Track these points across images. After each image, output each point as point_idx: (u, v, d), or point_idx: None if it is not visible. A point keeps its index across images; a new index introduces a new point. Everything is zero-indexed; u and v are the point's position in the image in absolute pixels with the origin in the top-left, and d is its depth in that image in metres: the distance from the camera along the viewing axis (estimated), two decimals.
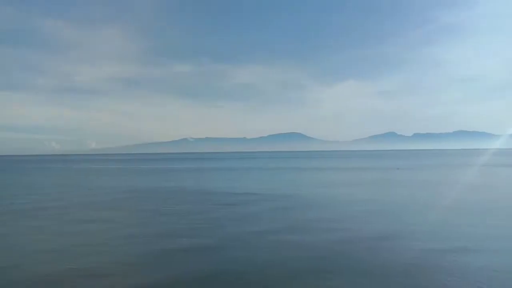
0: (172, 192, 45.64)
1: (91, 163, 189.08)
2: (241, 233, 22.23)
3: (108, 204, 36.47)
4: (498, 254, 17.43)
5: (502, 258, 16.81)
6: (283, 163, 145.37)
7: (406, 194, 40.11)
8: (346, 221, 25.43)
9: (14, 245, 20.59)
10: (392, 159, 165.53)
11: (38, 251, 19.17)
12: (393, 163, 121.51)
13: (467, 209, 30.06)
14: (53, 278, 15.02)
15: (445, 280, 13.99)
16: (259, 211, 30.35)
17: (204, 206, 33.46)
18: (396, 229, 22.67)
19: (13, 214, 30.91)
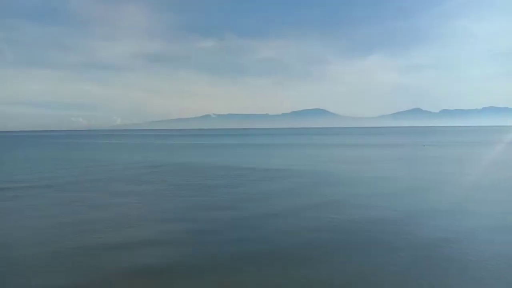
0: (200, 167, 46.59)
1: (117, 138, 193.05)
2: (272, 208, 22.80)
3: (139, 178, 37.59)
4: None
5: None
6: (307, 139, 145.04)
7: (432, 171, 39.82)
8: (375, 198, 25.58)
9: (47, 217, 21.39)
10: (418, 136, 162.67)
11: (70, 224, 19.77)
12: (419, 140, 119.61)
13: (494, 186, 29.75)
14: (83, 249, 15.54)
15: (465, 262, 14.05)
16: (290, 187, 30.79)
17: (233, 180, 34.17)
18: (423, 208, 22.68)
19: (45, 188, 32.08)
